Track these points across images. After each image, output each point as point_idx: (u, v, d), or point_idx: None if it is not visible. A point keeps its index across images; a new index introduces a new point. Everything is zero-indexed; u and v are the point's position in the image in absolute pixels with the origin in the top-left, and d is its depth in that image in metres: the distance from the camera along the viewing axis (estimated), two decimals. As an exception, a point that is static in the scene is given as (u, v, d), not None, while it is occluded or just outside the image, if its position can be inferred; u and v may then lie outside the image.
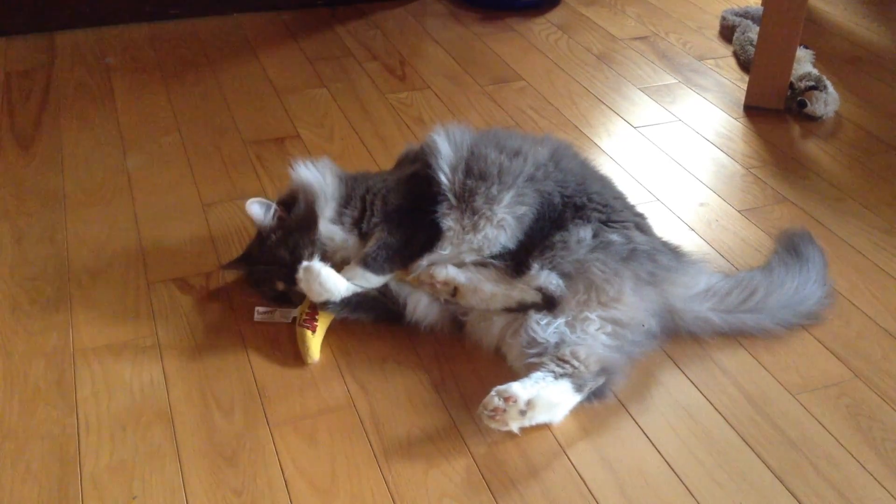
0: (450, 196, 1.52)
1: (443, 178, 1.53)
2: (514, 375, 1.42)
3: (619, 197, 1.62)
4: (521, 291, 1.45)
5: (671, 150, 2.11)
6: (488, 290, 1.46)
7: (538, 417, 1.32)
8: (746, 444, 1.33)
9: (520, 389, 1.30)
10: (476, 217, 1.50)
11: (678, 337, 1.51)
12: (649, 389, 1.42)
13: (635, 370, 1.44)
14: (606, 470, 1.28)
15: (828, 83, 2.27)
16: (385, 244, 1.47)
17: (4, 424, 1.33)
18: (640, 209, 1.65)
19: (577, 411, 1.36)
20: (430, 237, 1.50)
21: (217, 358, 1.46)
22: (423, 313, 1.50)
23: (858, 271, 1.70)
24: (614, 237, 1.50)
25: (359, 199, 1.54)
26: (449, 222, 1.50)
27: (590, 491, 1.25)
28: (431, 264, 1.49)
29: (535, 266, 1.46)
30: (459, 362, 1.46)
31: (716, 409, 1.39)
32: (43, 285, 1.61)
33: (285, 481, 1.25)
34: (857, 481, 1.27)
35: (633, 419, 1.37)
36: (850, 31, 2.81)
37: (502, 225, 1.50)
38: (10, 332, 1.50)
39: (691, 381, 1.44)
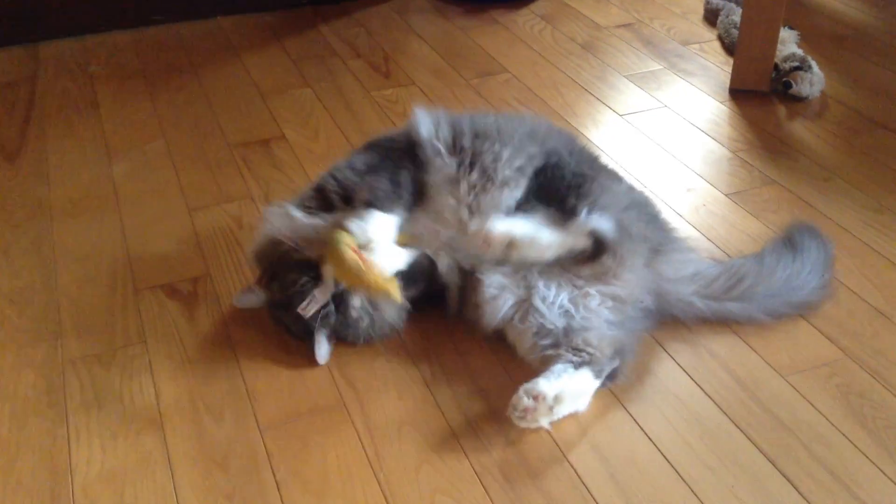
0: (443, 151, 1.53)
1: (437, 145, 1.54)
2: (507, 370, 1.43)
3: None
4: (573, 237, 1.42)
5: (658, 137, 2.11)
6: (545, 239, 1.41)
7: (565, 410, 1.31)
8: (738, 427, 1.32)
9: (546, 386, 1.29)
10: (484, 179, 1.49)
11: (667, 323, 1.51)
12: (639, 377, 1.42)
13: (625, 358, 1.44)
14: (598, 459, 1.28)
15: (813, 63, 2.26)
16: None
17: (-5, 437, 1.33)
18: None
19: (567, 402, 1.36)
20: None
21: (206, 363, 1.46)
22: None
23: (848, 251, 1.69)
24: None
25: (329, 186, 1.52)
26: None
27: (581, 481, 1.24)
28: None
29: (584, 211, 1.45)
30: (450, 359, 1.46)
31: (706, 393, 1.38)
32: (31, 296, 1.61)
33: (277, 483, 1.25)
34: (850, 461, 1.27)
35: (624, 407, 1.36)
36: (833, 10, 2.80)
37: (507, 182, 1.49)
38: (-2, 345, 1.50)
39: (681, 367, 1.43)
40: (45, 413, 1.37)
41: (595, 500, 1.22)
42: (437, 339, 1.50)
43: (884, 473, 1.25)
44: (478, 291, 1.46)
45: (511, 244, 1.41)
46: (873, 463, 1.26)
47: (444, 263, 1.48)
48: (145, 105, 2.27)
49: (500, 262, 1.46)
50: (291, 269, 1.43)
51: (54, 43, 2.62)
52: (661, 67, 2.45)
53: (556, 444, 1.30)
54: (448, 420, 1.34)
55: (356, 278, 1.37)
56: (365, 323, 1.45)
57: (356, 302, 1.43)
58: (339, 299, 1.42)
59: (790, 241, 1.62)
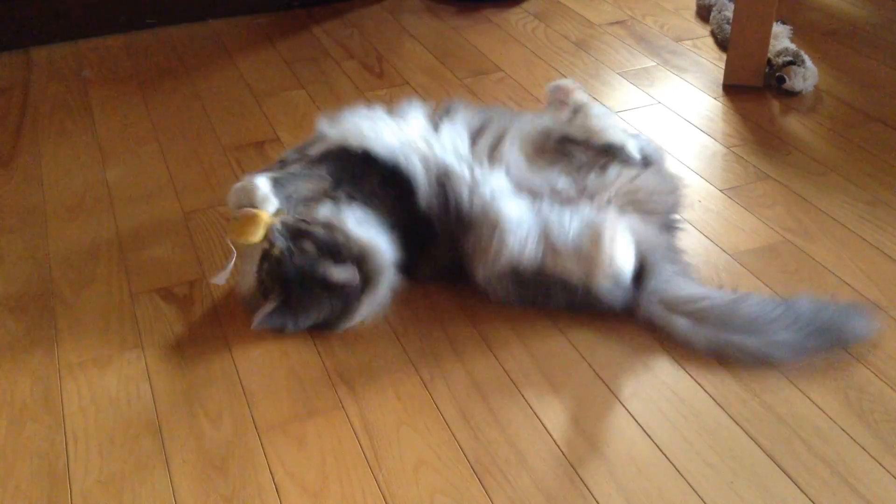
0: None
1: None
2: (506, 369, 1.43)
3: None
4: (629, 139, 1.64)
5: (652, 134, 2.11)
6: (611, 119, 1.65)
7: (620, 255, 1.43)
8: (736, 423, 1.32)
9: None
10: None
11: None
12: (637, 374, 1.42)
13: (623, 355, 1.44)
14: (597, 457, 1.28)
15: (806, 58, 2.27)
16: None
17: (-8, 444, 1.33)
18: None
19: (563, 399, 1.36)
20: None
21: (203, 366, 1.45)
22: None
23: (843, 244, 1.69)
24: None
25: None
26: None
27: (580, 478, 1.24)
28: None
29: (639, 135, 1.76)
30: (448, 360, 1.46)
31: (704, 390, 1.38)
32: (26, 302, 1.61)
33: (275, 486, 1.25)
34: (848, 455, 1.27)
35: (623, 405, 1.36)
36: (826, 4, 2.80)
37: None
38: (-6, 351, 1.50)
39: (679, 364, 1.43)
40: (42, 418, 1.37)
41: (595, 499, 1.22)
42: (435, 339, 1.50)
43: (882, 466, 1.25)
44: (497, 219, 1.48)
45: (581, 108, 1.63)
46: (872, 456, 1.27)
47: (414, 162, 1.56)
48: (139, 109, 2.27)
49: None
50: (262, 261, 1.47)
51: (47, 48, 2.62)
52: (655, 64, 2.45)
53: (556, 442, 1.30)
54: (447, 420, 1.34)
55: (248, 223, 1.42)
56: (340, 235, 1.45)
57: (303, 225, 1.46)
58: (295, 232, 1.44)
59: (794, 297, 1.48)
